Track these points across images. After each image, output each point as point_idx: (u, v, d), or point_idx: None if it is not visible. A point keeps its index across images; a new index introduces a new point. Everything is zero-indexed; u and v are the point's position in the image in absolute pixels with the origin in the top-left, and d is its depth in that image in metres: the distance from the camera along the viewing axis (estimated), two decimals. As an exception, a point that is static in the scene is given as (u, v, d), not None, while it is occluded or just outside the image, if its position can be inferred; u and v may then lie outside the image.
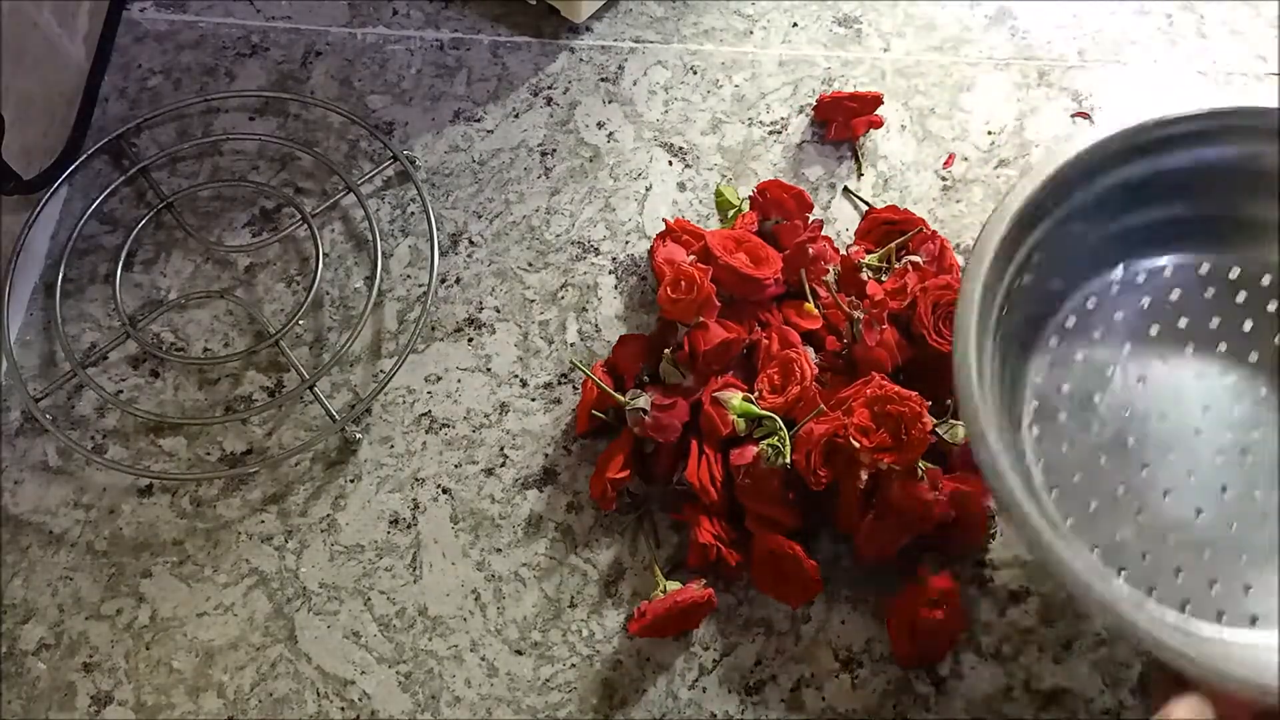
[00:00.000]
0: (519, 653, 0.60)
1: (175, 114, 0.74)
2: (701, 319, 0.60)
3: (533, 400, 0.65)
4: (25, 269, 0.69)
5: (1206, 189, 0.55)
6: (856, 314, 0.60)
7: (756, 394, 0.59)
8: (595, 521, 0.62)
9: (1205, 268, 0.57)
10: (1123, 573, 0.52)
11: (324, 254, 0.69)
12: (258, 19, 0.78)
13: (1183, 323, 0.57)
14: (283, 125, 0.74)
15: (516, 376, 0.66)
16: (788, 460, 0.57)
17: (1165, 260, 0.57)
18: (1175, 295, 0.57)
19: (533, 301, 0.68)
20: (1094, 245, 0.56)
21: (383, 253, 0.69)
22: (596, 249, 0.69)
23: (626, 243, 0.69)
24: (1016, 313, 0.53)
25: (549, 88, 0.75)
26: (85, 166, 0.72)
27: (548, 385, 0.65)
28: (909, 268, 0.62)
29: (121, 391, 0.66)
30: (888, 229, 0.66)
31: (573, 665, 0.59)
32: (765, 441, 0.57)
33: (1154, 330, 0.56)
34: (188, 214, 0.71)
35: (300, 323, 0.68)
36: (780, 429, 0.58)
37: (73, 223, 0.70)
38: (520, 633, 0.60)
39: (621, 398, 0.60)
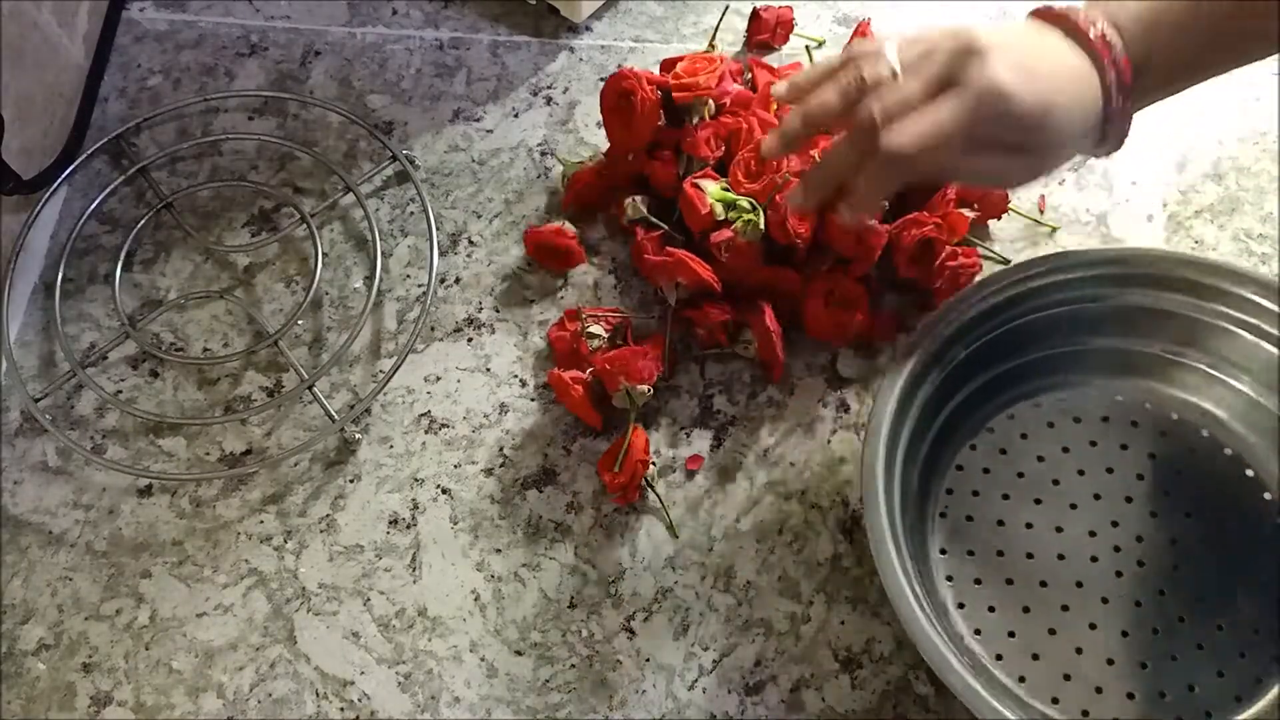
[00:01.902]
0: (519, 653, 0.59)
1: (175, 114, 0.74)
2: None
3: (533, 400, 0.65)
4: (25, 269, 0.69)
5: (1052, 332, 0.62)
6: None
7: (731, 177, 0.63)
8: (595, 521, 0.62)
9: (1066, 400, 0.63)
10: (1055, 703, 0.55)
11: (323, 254, 0.69)
12: (257, 19, 0.78)
13: (1063, 446, 0.61)
14: (282, 125, 0.74)
15: (516, 376, 0.66)
16: (762, 227, 0.61)
17: (1041, 394, 0.63)
18: (1050, 423, 0.62)
19: (533, 301, 0.68)
20: (985, 382, 0.61)
21: (382, 253, 0.69)
22: (596, 249, 0.69)
23: (626, 243, 0.69)
24: (921, 446, 0.59)
25: (549, 87, 0.75)
26: (85, 166, 0.72)
27: (547, 385, 0.65)
28: None
29: (121, 391, 0.66)
30: None
31: (573, 665, 0.59)
32: (741, 219, 0.61)
33: (1040, 457, 0.61)
34: (187, 214, 0.71)
35: (299, 323, 0.68)
36: (755, 208, 0.61)
37: (72, 223, 0.70)
38: (520, 633, 0.60)
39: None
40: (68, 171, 0.71)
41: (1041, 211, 0.70)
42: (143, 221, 0.70)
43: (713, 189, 0.63)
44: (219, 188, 0.72)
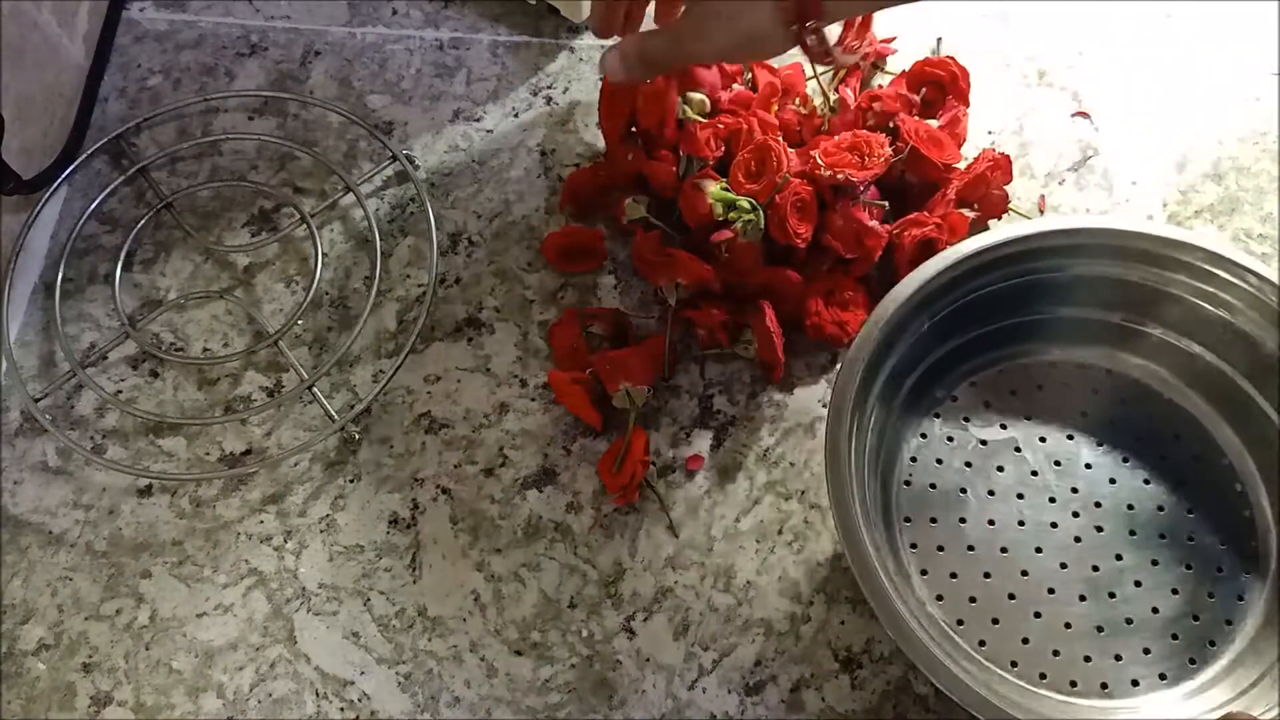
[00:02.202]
0: (519, 653, 0.59)
1: (175, 114, 0.74)
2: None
3: (532, 400, 0.65)
4: (25, 269, 0.69)
5: (1015, 301, 0.62)
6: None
7: (730, 178, 0.63)
8: (595, 521, 0.62)
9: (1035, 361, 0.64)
10: (1014, 666, 0.56)
11: (323, 254, 0.69)
12: (257, 19, 0.78)
13: (1025, 414, 0.62)
14: (282, 125, 0.74)
15: (516, 376, 0.66)
16: (762, 227, 0.61)
17: (1004, 363, 0.64)
18: (1012, 391, 0.63)
19: (533, 301, 0.68)
20: (948, 352, 0.62)
21: (382, 253, 0.69)
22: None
23: (626, 243, 0.69)
24: (887, 416, 0.60)
25: (549, 87, 0.75)
26: (85, 166, 0.72)
27: (547, 385, 0.65)
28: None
29: (121, 391, 0.66)
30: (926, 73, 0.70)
31: (573, 665, 0.59)
32: (741, 219, 0.62)
33: (981, 443, 0.62)
34: (187, 214, 0.71)
35: (300, 323, 0.68)
36: (755, 208, 0.62)
37: (72, 222, 0.70)
38: (520, 633, 0.60)
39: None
40: (68, 171, 0.71)
41: (1041, 211, 0.70)
42: (143, 221, 0.70)
43: (713, 189, 0.63)
44: (219, 188, 0.72)
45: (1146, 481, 0.60)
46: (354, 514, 0.63)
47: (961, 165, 0.67)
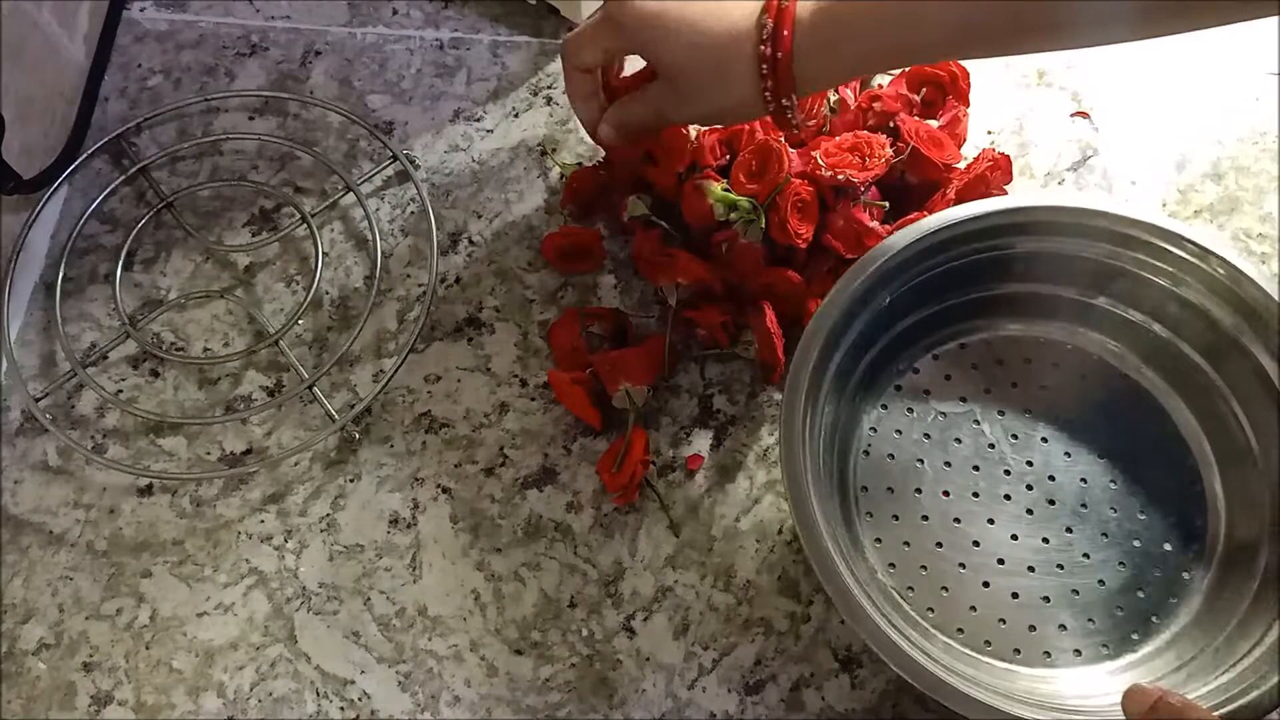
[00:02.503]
0: (519, 653, 0.60)
1: (175, 114, 0.74)
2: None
3: (533, 400, 0.65)
4: (25, 269, 0.69)
5: (976, 277, 0.63)
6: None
7: (732, 179, 0.64)
8: (595, 521, 0.62)
9: (993, 338, 0.65)
10: (960, 633, 0.57)
11: (324, 254, 0.69)
12: (257, 19, 0.78)
13: (985, 387, 0.63)
14: (282, 125, 0.74)
15: (516, 376, 0.66)
16: (763, 226, 0.61)
17: (965, 337, 0.64)
18: (973, 365, 0.64)
19: (533, 301, 0.68)
20: (910, 326, 0.63)
21: (383, 252, 0.69)
22: (596, 249, 0.70)
23: (626, 242, 0.69)
24: (846, 387, 0.61)
25: (549, 87, 0.75)
26: (85, 166, 0.72)
27: (547, 385, 0.65)
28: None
29: (121, 391, 0.66)
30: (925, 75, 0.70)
31: (573, 665, 0.59)
32: (742, 219, 0.62)
33: (940, 415, 0.63)
34: (188, 214, 0.71)
35: (300, 322, 0.68)
36: (756, 209, 0.62)
37: (73, 222, 0.70)
38: (520, 633, 0.60)
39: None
40: (68, 171, 0.71)
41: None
42: (143, 221, 0.70)
43: (714, 190, 0.63)
44: (219, 187, 0.72)
45: (1101, 456, 0.61)
46: (354, 513, 0.63)
47: (962, 165, 0.67)
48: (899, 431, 0.62)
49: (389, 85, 0.75)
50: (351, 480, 0.64)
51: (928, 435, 0.62)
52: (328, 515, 0.63)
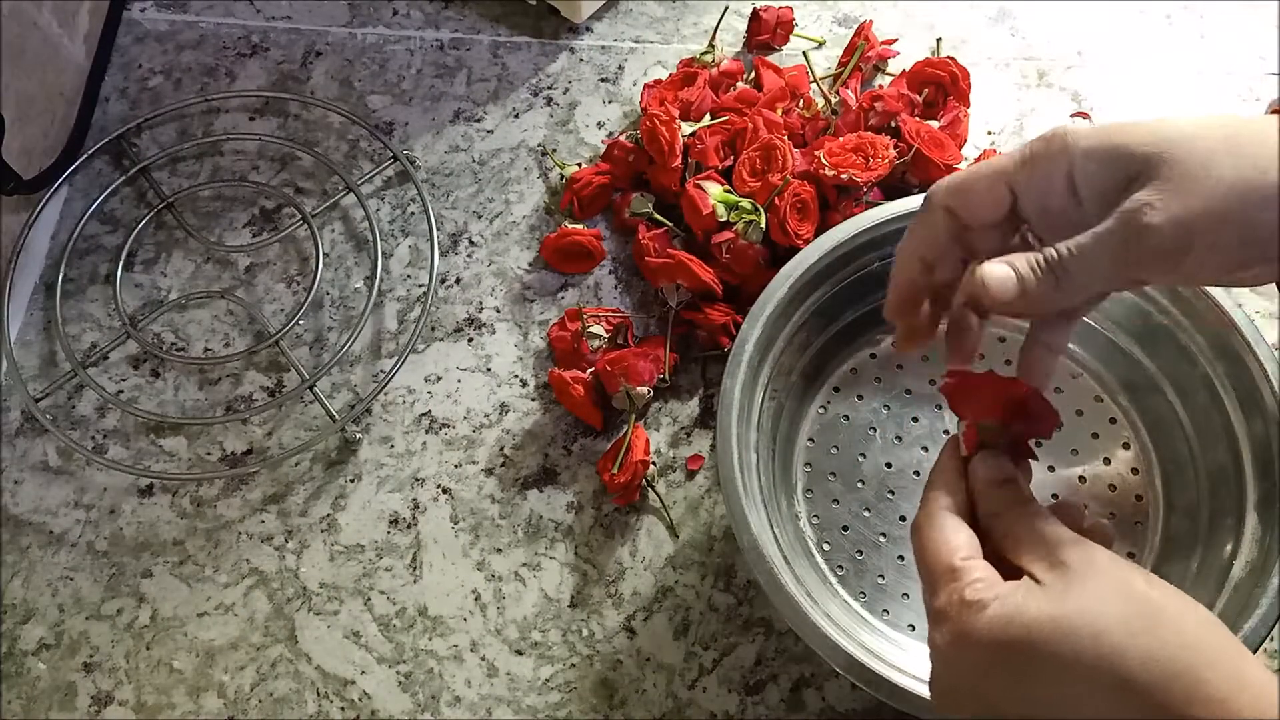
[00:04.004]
0: (519, 653, 0.60)
1: (175, 114, 0.74)
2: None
3: (533, 400, 0.65)
4: (25, 269, 0.69)
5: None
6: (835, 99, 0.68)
7: (735, 176, 0.64)
8: (595, 521, 0.62)
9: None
10: (885, 613, 0.57)
11: (324, 254, 0.69)
12: (258, 19, 0.78)
13: (929, 380, 0.63)
14: (283, 125, 0.74)
15: (516, 376, 0.66)
16: (763, 226, 0.62)
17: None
18: (926, 359, 0.63)
19: (532, 301, 0.68)
20: (852, 320, 0.62)
21: (383, 253, 0.69)
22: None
23: (626, 242, 0.69)
24: (788, 382, 0.61)
25: (549, 88, 0.75)
26: (85, 166, 0.72)
27: (547, 385, 0.65)
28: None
29: (122, 391, 0.66)
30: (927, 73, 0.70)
31: (573, 665, 0.59)
32: (742, 219, 0.62)
33: (906, 392, 0.63)
34: (188, 214, 0.71)
35: (300, 323, 0.68)
36: (757, 209, 0.62)
37: (73, 223, 0.70)
38: (520, 633, 0.60)
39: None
40: (68, 172, 0.71)
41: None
42: (144, 221, 0.70)
43: (715, 190, 0.63)
44: (220, 188, 0.72)
45: (1037, 444, 0.60)
46: (354, 514, 0.63)
47: (963, 166, 0.67)
48: (861, 396, 0.62)
49: (389, 86, 0.75)
50: (352, 480, 0.64)
51: (888, 406, 0.62)
52: (328, 515, 0.63)
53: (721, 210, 0.63)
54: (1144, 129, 0.39)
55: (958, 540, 0.40)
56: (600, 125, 0.73)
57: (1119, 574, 0.37)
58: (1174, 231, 0.38)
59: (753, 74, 0.71)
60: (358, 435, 0.65)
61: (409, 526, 0.63)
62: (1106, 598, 0.36)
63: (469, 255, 0.70)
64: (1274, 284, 0.40)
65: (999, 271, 0.40)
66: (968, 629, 0.37)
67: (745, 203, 0.62)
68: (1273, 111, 0.41)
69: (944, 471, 0.43)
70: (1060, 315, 0.44)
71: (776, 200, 0.62)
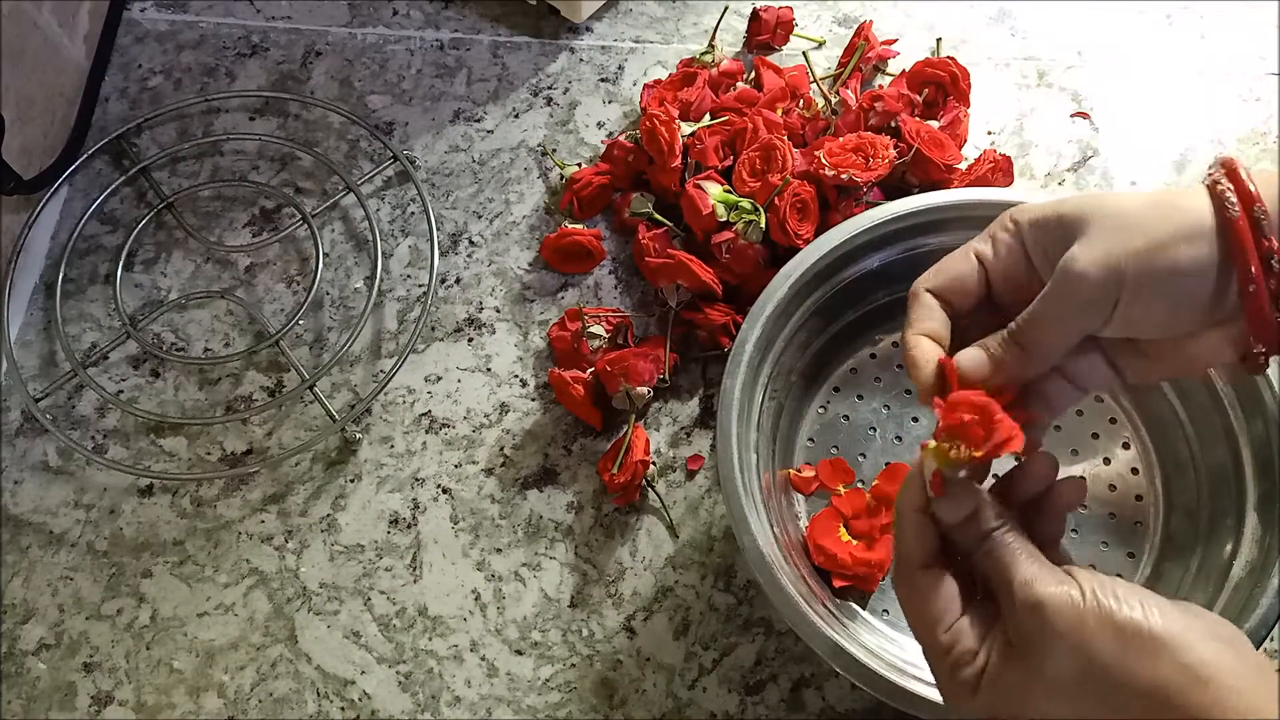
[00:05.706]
0: (519, 653, 0.60)
1: (175, 114, 0.74)
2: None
3: (533, 400, 0.65)
4: (25, 269, 0.69)
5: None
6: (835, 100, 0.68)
7: (735, 176, 0.64)
8: (595, 521, 0.62)
9: None
10: (885, 614, 0.58)
11: (324, 254, 0.69)
12: (258, 19, 0.78)
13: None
14: (283, 125, 0.74)
15: (516, 376, 0.66)
16: (763, 226, 0.61)
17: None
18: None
19: (532, 301, 0.68)
20: (851, 320, 0.63)
21: (383, 253, 0.69)
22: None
23: (626, 242, 0.69)
24: (788, 382, 0.61)
25: (549, 88, 0.75)
26: (85, 166, 0.72)
27: (548, 385, 0.65)
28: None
29: (122, 391, 0.66)
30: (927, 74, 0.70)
31: (573, 665, 0.59)
32: (742, 219, 0.62)
33: (905, 392, 0.63)
34: (188, 214, 0.71)
35: (300, 323, 0.68)
36: (756, 209, 0.62)
37: (73, 223, 0.70)
38: (520, 633, 0.60)
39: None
40: (68, 171, 0.71)
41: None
42: (144, 221, 0.70)
43: (715, 190, 0.63)
44: (220, 188, 0.72)
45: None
46: (354, 514, 0.63)
47: (963, 166, 0.67)
48: (861, 396, 0.63)
49: (389, 86, 0.75)
50: (352, 480, 0.64)
51: (888, 407, 0.62)
52: (328, 515, 0.63)
53: (721, 210, 0.63)
54: (1081, 197, 0.42)
55: (937, 608, 0.41)
56: (600, 125, 0.73)
57: (1076, 635, 0.38)
58: (1102, 276, 0.40)
59: (753, 74, 0.71)
60: (358, 435, 0.65)
61: (409, 526, 0.63)
62: (1062, 665, 0.38)
63: (469, 255, 0.70)
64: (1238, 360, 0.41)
65: (971, 354, 0.43)
66: (962, 705, 0.40)
67: (745, 203, 0.62)
68: (1208, 180, 0.42)
69: (906, 519, 0.43)
70: (1054, 373, 0.45)
71: (776, 200, 0.62)
